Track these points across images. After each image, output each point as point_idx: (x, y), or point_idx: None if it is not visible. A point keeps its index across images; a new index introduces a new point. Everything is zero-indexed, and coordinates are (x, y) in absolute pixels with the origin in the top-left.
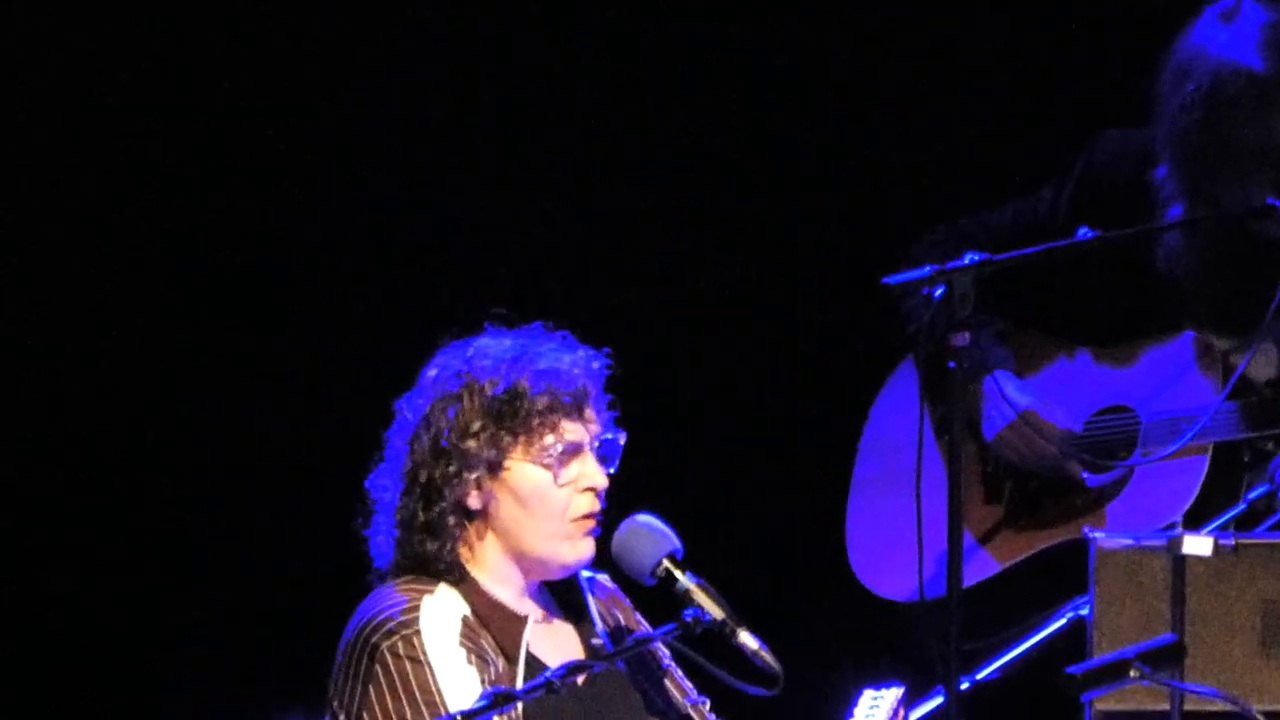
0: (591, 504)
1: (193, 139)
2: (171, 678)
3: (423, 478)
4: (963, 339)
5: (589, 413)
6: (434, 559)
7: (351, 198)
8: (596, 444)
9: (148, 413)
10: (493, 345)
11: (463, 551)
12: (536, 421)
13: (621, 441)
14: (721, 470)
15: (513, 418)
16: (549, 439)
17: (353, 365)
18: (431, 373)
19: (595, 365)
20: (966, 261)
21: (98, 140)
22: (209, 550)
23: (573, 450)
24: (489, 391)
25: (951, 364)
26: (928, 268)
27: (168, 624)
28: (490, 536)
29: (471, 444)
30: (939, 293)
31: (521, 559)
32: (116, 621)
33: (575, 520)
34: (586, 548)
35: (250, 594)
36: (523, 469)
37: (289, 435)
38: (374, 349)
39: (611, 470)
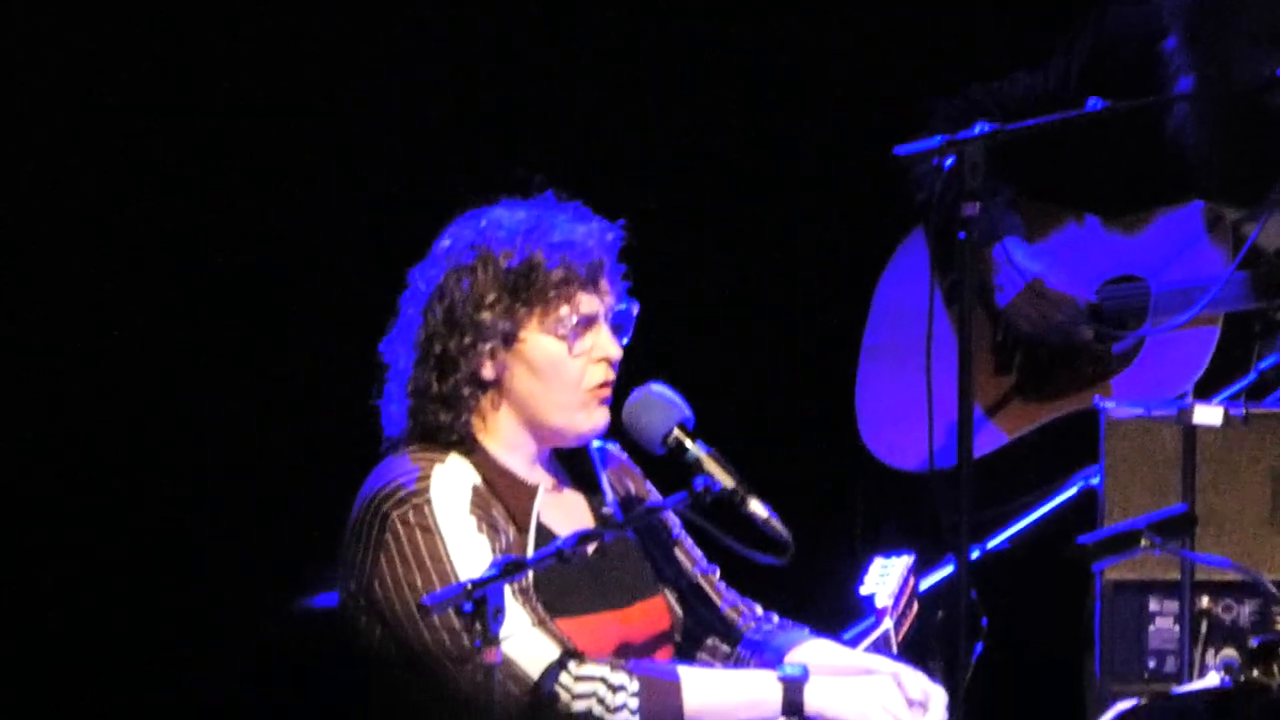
0: (606, 373)
1: (184, 132)
2: (185, 557)
3: (437, 349)
4: (973, 208)
5: (603, 284)
6: (447, 429)
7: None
8: (610, 315)
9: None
10: (507, 216)
11: (476, 421)
12: (552, 294)
13: (634, 312)
14: (731, 338)
15: (528, 290)
16: (564, 311)
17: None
18: (445, 243)
19: (610, 237)
20: (977, 131)
21: (97, 140)
22: (223, 420)
23: (587, 322)
24: (504, 264)
25: (962, 233)
26: (938, 137)
27: (182, 491)
28: (504, 407)
29: (486, 316)
30: (950, 162)
31: (536, 428)
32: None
33: (589, 390)
34: (601, 416)
35: (264, 463)
36: (537, 340)
37: (302, 306)
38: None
39: (625, 341)
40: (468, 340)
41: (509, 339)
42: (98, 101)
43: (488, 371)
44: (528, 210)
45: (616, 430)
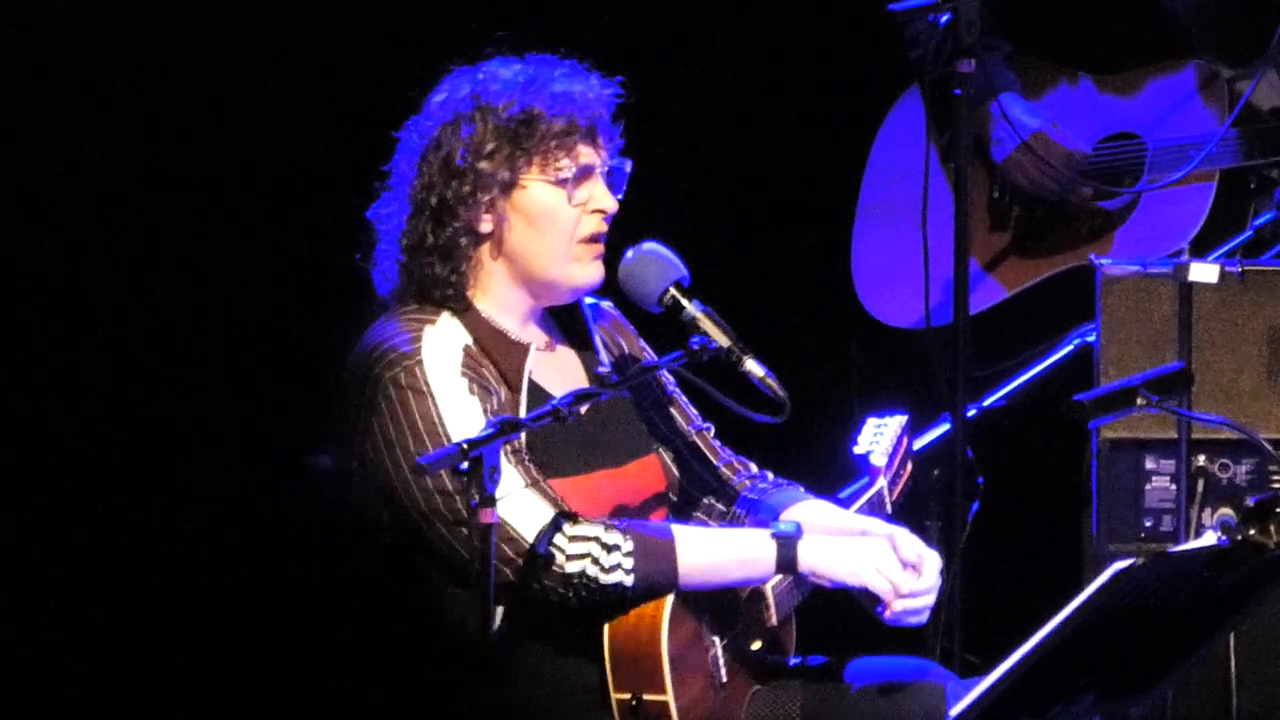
0: (600, 225)
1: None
2: (179, 430)
3: (433, 199)
4: (969, 65)
5: (600, 138)
6: (442, 283)
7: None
8: (606, 169)
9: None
10: (503, 69)
11: (469, 277)
12: (553, 143)
13: (628, 169)
14: (725, 197)
15: (529, 139)
16: (564, 161)
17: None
18: (439, 97)
19: (607, 92)
20: None
21: (95, 139)
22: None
23: (585, 173)
24: (504, 113)
25: (958, 90)
26: None
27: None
28: (499, 260)
29: (486, 164)
30: (945, 19)
31: (530, 282)
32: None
33: (583, 241)
34: (596, 270)
35: (255, 323)
36: (536, 189)
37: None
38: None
39: (619, 197)
40: (466, 189)
41: (507, 188)
42: (95, 99)
43: (485, 223)
44: (523, 65)
45: (612, 289)
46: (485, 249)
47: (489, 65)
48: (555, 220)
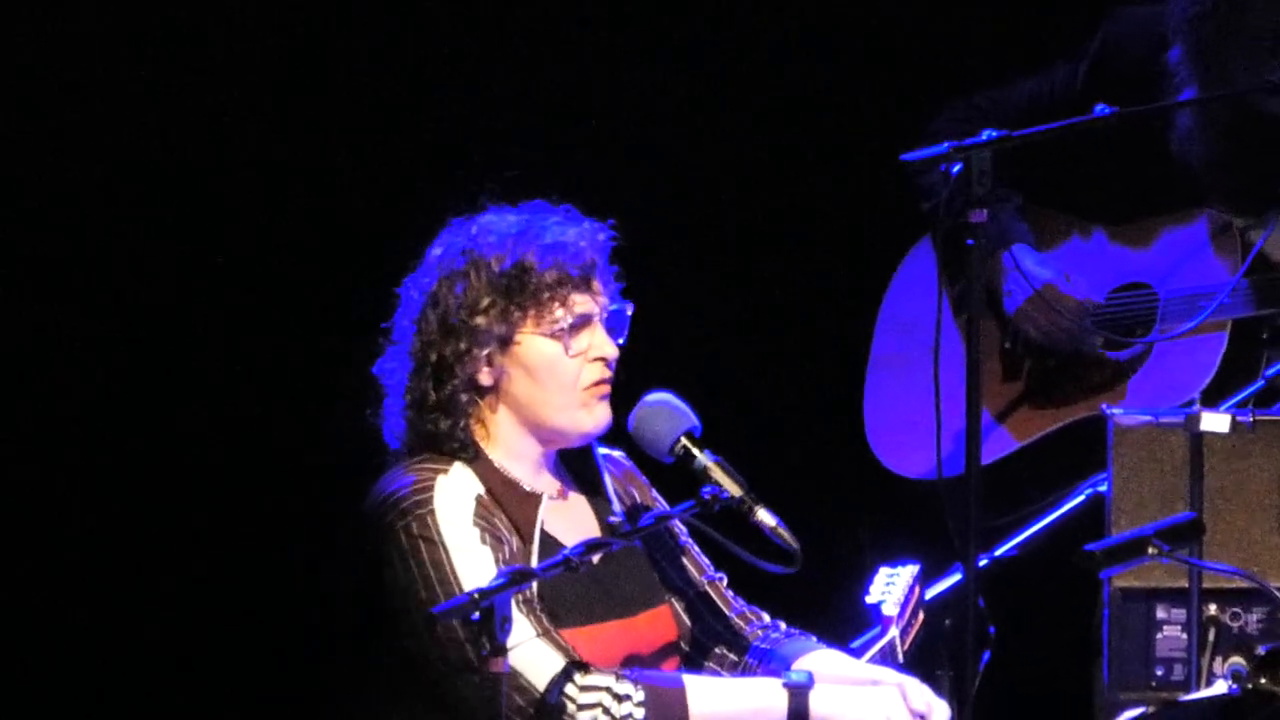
0: (602, 371)
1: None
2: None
3: (433, 357)
4: (981, 215)
5: (596, 284)
6: (448, 437)
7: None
8: (604, 315)
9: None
10: (497, 222)
11: (476, 429)
12: (546, 295)
13: (629, 312)
14: (738, 348)
15: (521, 292)
16: (559, 312)
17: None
18: (436, 251)
19: (601, 237)
20: (985, 138)
21: (95, 138)
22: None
23: (582, 322)
24: (496, 267)
25: (970, 240)
26: (946, 144)
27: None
28: (503, 410)
29: (481, 320)
30: (957, 169)
31: (537, 430)
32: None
33: (587, 388)
34: (603, 412)
35: (267, 475)
36: (533, 342)
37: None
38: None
39: (621, 342)
40: (463, 346)
41: (505, 342)
42: (95, 99)
43: (485, 377)
44: (518, 214)
45: (624, 438)
46: (488, 401)
47: (484, 217)
48: (555, 371)
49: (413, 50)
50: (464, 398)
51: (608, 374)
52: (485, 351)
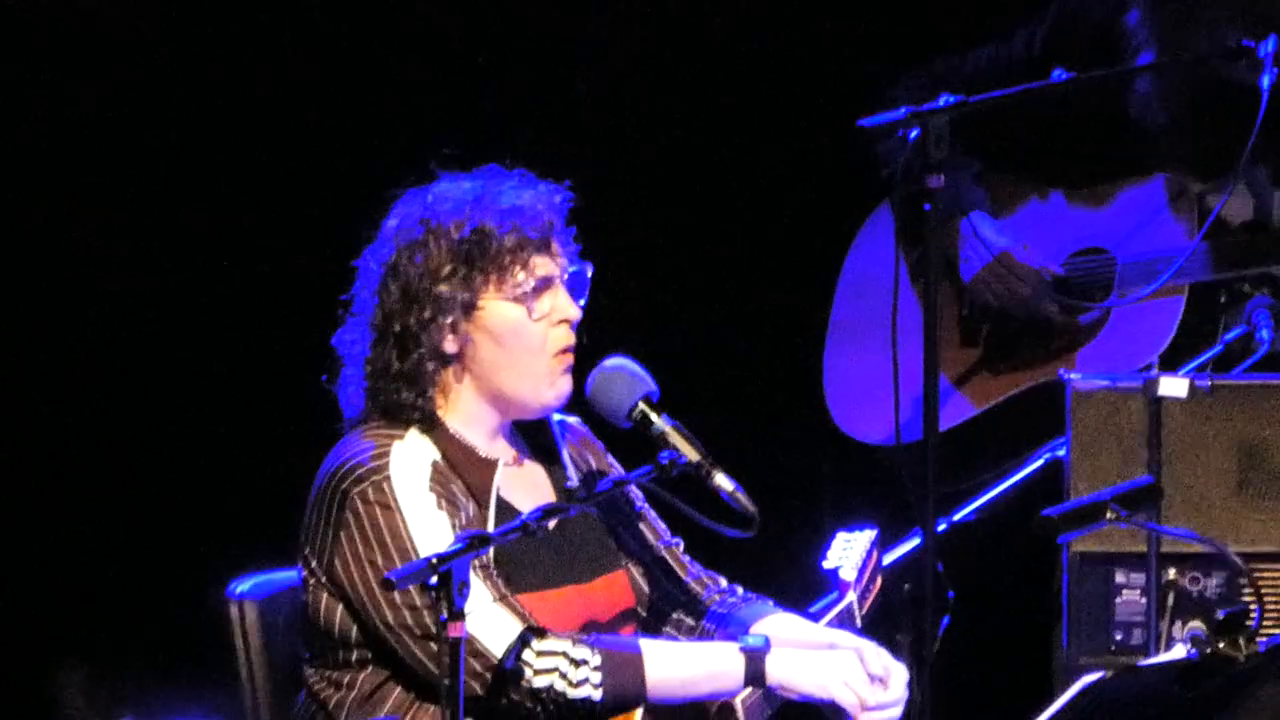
0: (567, 336)
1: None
2: (144, 535)
3: (396, 327)
4: (938, 180)
5: (555, 246)
6: (410, 406)
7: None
8: (565, 276)
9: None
10: (452, 189)
11: (437, 398)
12: (507, 259)
13: (589, 273)
14: (696, 313)
15: (482, 257)
16: (520, 275)
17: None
18: (392, 222)
19: (557, 199)
20: (942, 103)
21: (93, 138)
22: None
23: (544, 285)
24: (455, 234)
25: (927, 206)
26: (903, 109)
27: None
28: (467, 380)
29: (443, 287)
30: (914, 134)
31: (499, 399)
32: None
33: (554, 356)
34: (565, 384)
35: (222, 442)
36: (497, 307)
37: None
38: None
39: (582, 303)
40: (427, 314)
41: (468, 309)
42: (94, 98)
43: (450, 344)
44: (472, 180)
45: (580, 403)
46: (452, 370)
47: (438, 185)
48: (520, 336)
49: (349, 25)
50: (430, 366)
51: (572, 339)
52: (449, 319)
